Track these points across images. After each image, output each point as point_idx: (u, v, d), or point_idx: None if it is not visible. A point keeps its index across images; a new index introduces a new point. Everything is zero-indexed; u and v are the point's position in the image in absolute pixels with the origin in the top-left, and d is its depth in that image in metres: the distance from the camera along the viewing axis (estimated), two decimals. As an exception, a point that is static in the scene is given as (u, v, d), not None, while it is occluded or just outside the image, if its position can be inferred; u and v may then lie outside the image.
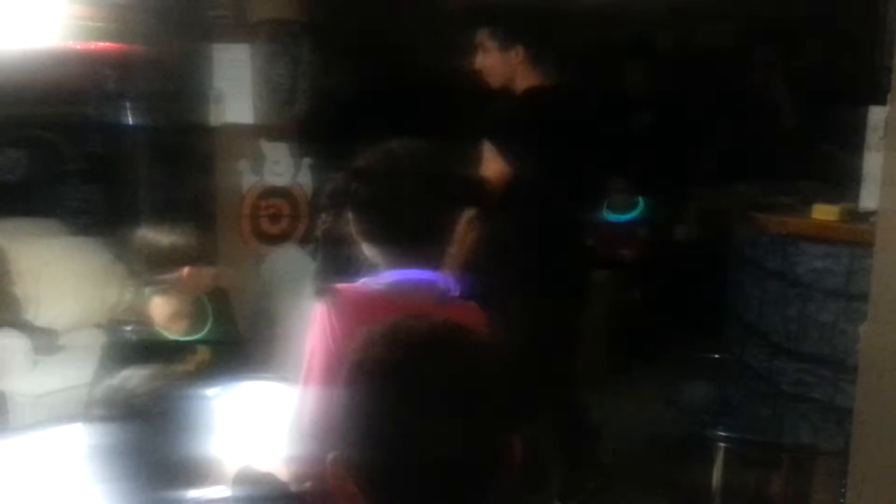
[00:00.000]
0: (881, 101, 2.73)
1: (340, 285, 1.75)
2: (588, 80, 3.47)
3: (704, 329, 3.66)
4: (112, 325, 2.60)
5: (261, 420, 2.07)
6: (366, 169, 1.77)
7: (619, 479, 2.66)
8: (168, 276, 2.53)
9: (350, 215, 1.79)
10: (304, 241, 4.09)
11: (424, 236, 1.76)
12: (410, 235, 1.75)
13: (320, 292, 1.72)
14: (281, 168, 4.16)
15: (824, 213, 2.99)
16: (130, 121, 4.21)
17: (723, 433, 2.92)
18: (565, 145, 2.81)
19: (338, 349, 1.67)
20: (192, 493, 1.61)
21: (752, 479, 3.02)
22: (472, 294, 1.80)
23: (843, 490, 2.60)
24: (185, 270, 2.53)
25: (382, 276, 1.75)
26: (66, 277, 3.83)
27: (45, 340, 3.69)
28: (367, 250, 1.78)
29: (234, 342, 2.68)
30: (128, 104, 4.21)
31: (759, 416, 3.01)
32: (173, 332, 2.56)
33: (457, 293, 1.78)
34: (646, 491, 3.26)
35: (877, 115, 3.02)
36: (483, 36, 2.97)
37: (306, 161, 4.18)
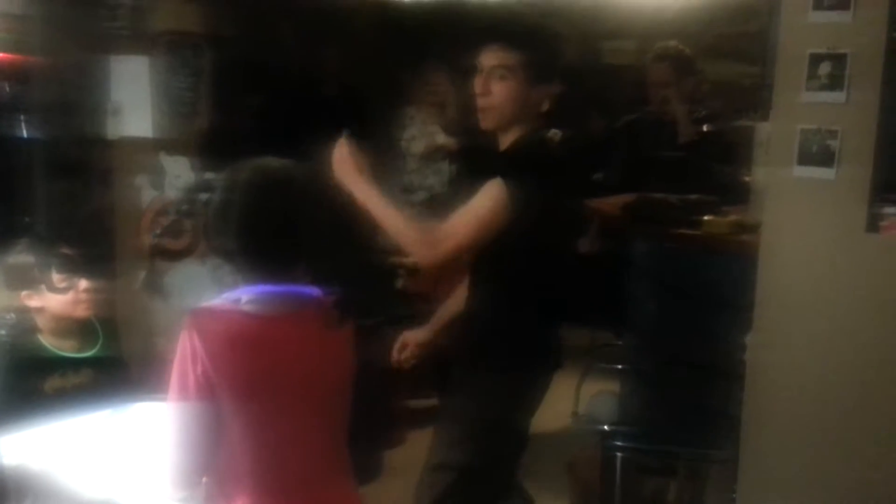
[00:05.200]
0: (767, 118, 2.84)
1: (202, 306, 1.71)
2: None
3: (602, 340, 3.72)
4: None
5: (143, 443, 2.03)
6: (226, 185, 1.78)
7: (519, 488, 2.68)
8: (60, 296, 2.46)
9: (209, 230, 1.79)
10: (206, 256, 4.01)
11: (282, 250, 1.74)
12: (266, 250, 1.73)
13: (184, 314, 1.69)
14: (182, 182, 4.08)
15: (715, 226, 3.08)
16: (25, 134, 4.09)
17: (620, 443, 2.98)
18: None
19: (204, 370, 1.64)
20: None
21: (648, 488, 3.08)
22: (346, 310, 1.78)
23: (733, 496, 2.68)
24: (78, 289, 2.48)
25: (245, 291, 1.72)
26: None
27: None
28: (229, 265, 1.77)
29: (119, 367, 2.61)
30: (22, 117, 4.08)
31: (654, 425, 3.07)
32: (59, 350, 2.49)
33: (328, 308, 1.76)
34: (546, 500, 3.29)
35: (763, 131, 3.14)
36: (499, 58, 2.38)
37: (208, 175, 4.10)
